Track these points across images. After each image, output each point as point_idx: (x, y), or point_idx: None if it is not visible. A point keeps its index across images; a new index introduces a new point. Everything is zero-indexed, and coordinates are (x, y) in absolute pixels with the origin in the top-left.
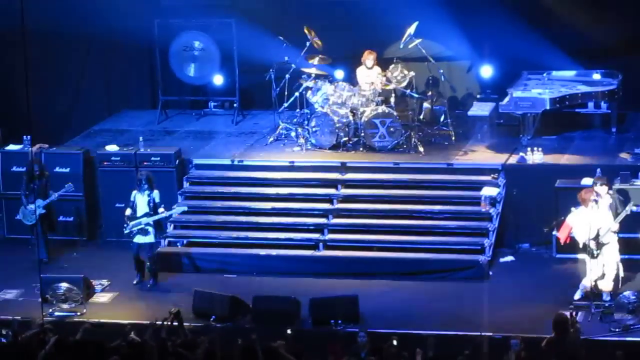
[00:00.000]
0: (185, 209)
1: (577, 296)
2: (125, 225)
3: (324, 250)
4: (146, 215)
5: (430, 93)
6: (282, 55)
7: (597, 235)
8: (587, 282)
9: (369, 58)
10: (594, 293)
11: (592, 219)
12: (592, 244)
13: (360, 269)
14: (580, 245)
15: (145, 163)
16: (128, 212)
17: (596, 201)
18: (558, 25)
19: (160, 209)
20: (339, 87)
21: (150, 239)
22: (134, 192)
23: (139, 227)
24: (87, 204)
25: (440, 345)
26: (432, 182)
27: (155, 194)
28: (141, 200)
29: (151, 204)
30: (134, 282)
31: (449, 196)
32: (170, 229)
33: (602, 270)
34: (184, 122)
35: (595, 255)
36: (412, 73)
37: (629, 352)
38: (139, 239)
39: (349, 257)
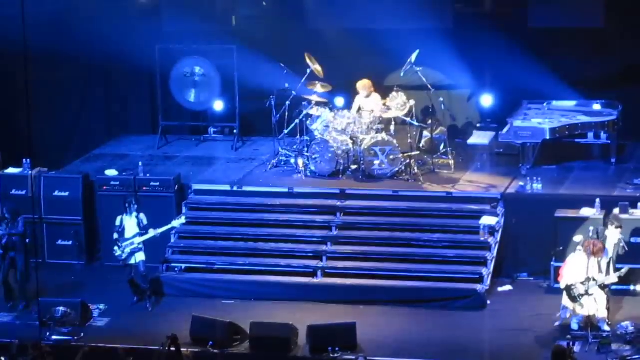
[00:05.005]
0: (183, 220)
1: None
2: (118, 246)
3: (322, 278)
4: (138, 235)
5: (430, 121)
6: (283, 82)
7: (587, 281)
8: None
9: (363, 89)
10: (590, 324)
11: (588, 267)
12: (580, 289)
13: (359, 297)
14: (562, 285)
15: (144, 188)
16: (116, 237)
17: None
18: (558, 55)
19: (151, 230)
20: (339, 114)
21: (142, 256)
22: (120, 217)
23: (132, 247)
24: (86, 228)
25: None
26: (431, 211)
27: (142, 216)
28: (130, 223)
29: (141, 225)
30: (133, 302)
31: (448, 225)
32: (169, 254)
33: (594, 304)
34: (184, 148)
35: (576, 301)
36: (412, 101)
37: None
38: (135, 259)
39: (347, 284)
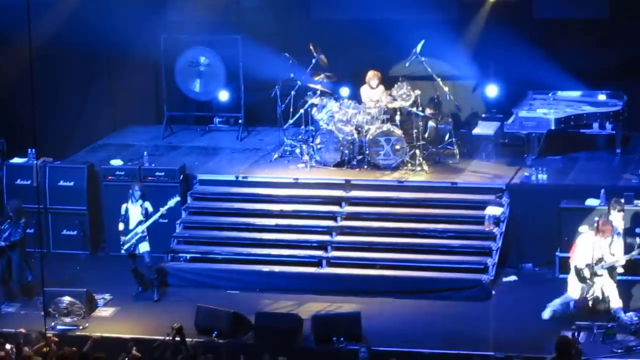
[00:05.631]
0: (178, 199)
1: (546, 315)
2: (123, 239)
3: (327, 268)
4: (140, 223)
5: (435, 112)
6: (288, 72)
7: (596, 264)
8: (574, 294)
9: (373, 79)
10: (591, 311)
11: (597, 247)
12: (587, 272)
13: (363, 287)
14: (572, 267)
15: (149, 178)
16: (121, 226)
17: (613, 235)
18: (564, 45)
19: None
20: (344, 104)
21: (147, 247)
22: (125, 205)
23: (137, 237)
24: (90, 218)
25: None
26: (436, 201)
27: (147, 204)
28: (134, 211)
29: (144, 213)
30: (137, 291)
31: (453, 215)
32: (173, 244)
33: (600, 292)
34: (189, 138)
35: (585, 281)
36: (417, 92)
37: None
38: (141, 249)
39: (352, 274)
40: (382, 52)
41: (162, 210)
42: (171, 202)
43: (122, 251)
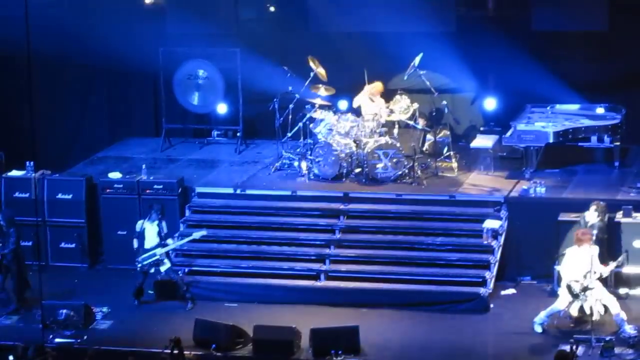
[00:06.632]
0: (204, 232)
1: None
2: (138, 259)
3: (325, 281)
4: (159, 246)
5: (429, 123)
6: (286, 85)
7: (585, 277)
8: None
9: (379, 92)
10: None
11: (583, 259)
12: (577, 287)
13: (362, 300)
14: (562, 283)
15: (147, 191)
16: (136, 244)
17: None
18: (562, 58)
19: (169, 240)
20: (342, 117)
21: (167, 265)
22: (141, 222)
23: (154, 258)
24: (89, 231)
25: None
26: (434, 214)
27: (164, 225)
28: (151, 230)
29: (162, 234)
30: (135, 304)
31: (451, 228)
32: (171, 256)
33: (597, 306)
34: (187, 151)
35: (578, 297)
36: (415, 105)
37: None
38: (162, 269)
39: (350, 287)
40: (381, 65)
41: (186, 240)
42: (196, 235)
43: (138, 269)
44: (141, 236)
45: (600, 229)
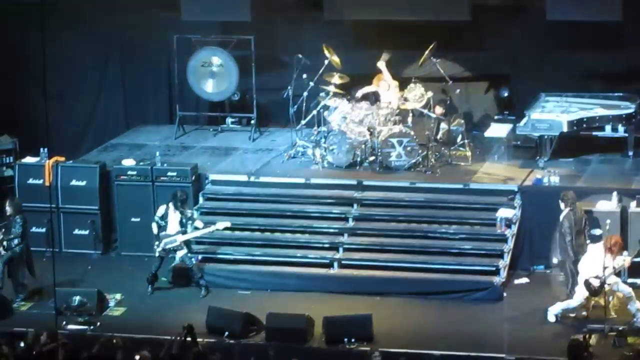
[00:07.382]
0: (228, 224)
1: (552, 317)
2: (158, 242)
3: (338, 269)
4: (180, 233)
5: (444, 112)
6: (301, 73)
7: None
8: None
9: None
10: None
11: (600, 257)
12: (595, 282)
13: (375, 288)
14: (580, 280)
15: (161, 178)
16: (155, 228)
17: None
18: (577, 48)
19: (197, 223)
20: (356, 105)
21: (185, 251)
22: (164, 206)
23: (174, 244)
24: (102, 218)
25: None
26: (448, 203)
27: (189, 212)
28: (174, 217)
29: (184, 221)
30: (149, 292)
31: (465, 217)
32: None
33: (614, 298)
34: (201, 138)
35: (597, 294)
36: (430, 93)
37: None
38: (178, 254)
39: (364, 276)
40: (395, 54)
41: (208, 230)
42: (219, 225)
43: (156, 254)
44: (162, 221)
45: (575, 221)
